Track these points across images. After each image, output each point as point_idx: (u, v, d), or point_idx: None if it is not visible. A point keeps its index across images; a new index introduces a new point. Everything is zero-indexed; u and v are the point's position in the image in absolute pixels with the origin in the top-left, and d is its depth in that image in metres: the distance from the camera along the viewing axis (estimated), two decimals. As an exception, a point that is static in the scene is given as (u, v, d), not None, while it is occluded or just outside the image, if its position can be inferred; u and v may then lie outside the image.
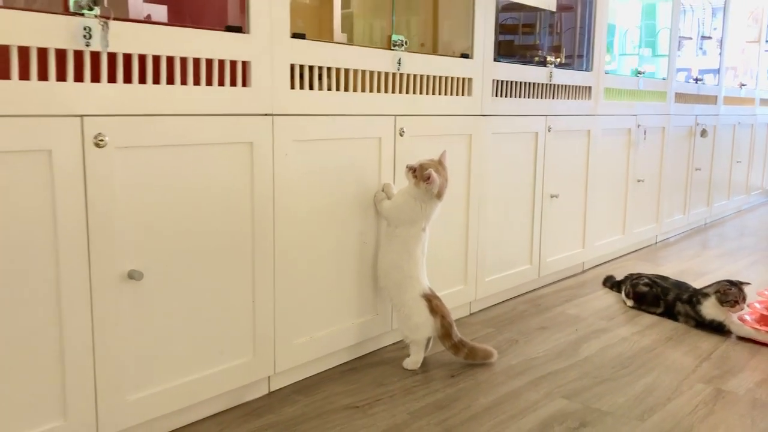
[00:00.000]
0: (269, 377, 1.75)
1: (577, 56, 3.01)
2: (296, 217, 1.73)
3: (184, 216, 1.48)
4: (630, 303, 2.55)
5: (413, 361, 1.93)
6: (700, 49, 4.52)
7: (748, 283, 2.25)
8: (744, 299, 2.21)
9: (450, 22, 2.37)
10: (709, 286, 2.32)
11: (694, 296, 2.32)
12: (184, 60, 1.45)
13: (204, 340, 1.56)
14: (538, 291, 2.74)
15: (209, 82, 1.50)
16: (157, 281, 1.45)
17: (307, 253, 1.77)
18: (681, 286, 2.44)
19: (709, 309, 2.26)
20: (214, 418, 1.61)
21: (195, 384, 1.55)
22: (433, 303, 1.91)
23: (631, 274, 2.66)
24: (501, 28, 2.89)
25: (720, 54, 4.35)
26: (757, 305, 2.25)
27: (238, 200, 1.58)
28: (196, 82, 1.47)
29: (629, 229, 3.38)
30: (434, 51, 2.36)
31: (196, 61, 1.47)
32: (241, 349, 1.64)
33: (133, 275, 1.39)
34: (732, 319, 2.23)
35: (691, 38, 4.59)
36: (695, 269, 3.11)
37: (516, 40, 2.90)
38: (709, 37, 4.56)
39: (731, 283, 2.24)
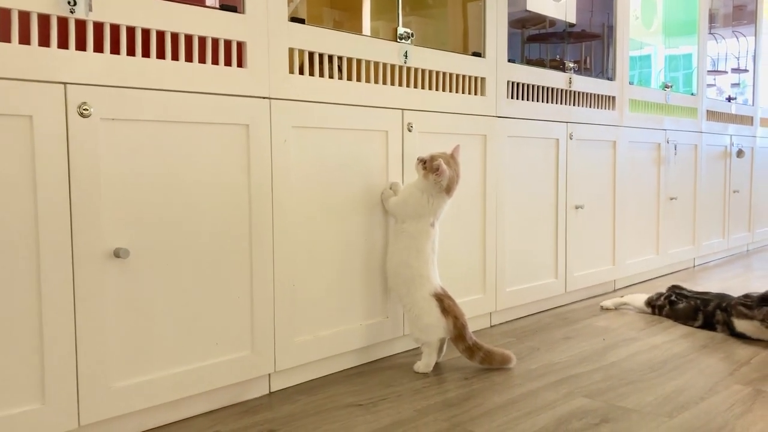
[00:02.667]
0: (270, 375, 1.66)
1: (605, 71, 2.94)
2: (297, 206, 1.66)
3: (175, 196, 1.43)
4: (645, 308, 2.46)
5: (425, 364, 1.82)
6: (736, 84, 4.40)
7: None
8: None
9: (476, 24, 2.33)
10: (751, 303, 2.10)
11: (730, 308, 2.15)
12: (175, 35, 1.42)
13: (197, 329, 1.48)
14: (566, 307, 2.60)
15: (202, 60, 1.47)
16: (146, 262, 1.39)
17: (308, 246, 1.70)
18: (724, 297, 2.27)
19: (744, 326, 2.10)
20: (209, 415, 1.52)
21: (187, 375, 1.46)
22: (444, 303, 1.81)
23: (675, 286, 2.51)
24: (528, 39, 2.84)
25: (754, 71, 4.23)
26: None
27: (234, 184, 1.53)
28: (188, 59, 1.44)
29: (663, 249, 3.22)
30: (465, 52, 2.29)
31: (188, 38, 1.45)
32: (238, 342, 1.56)
33: (119, 253, 1.33)
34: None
35: (726, 72, 4.48)
36: (736, 288, 2.93)
37: (543, 53, 2.84)
38: (746, 70, 4.44)
39: None
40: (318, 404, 1.57)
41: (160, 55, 1.40)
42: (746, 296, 2.15)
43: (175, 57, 1.42)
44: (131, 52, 1.35)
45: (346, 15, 2.24)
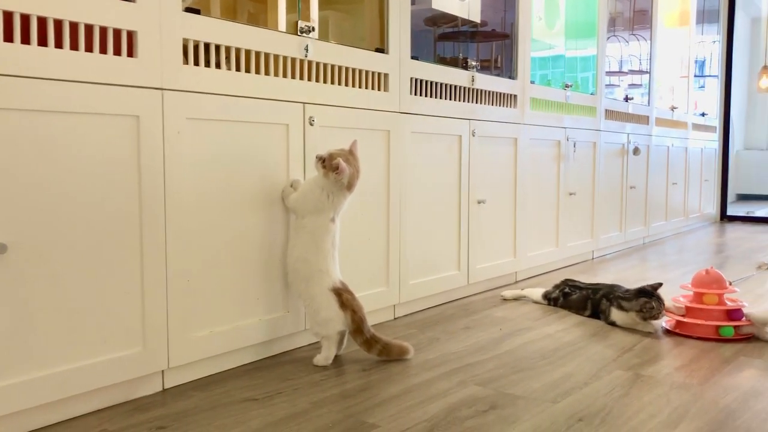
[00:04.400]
0: (163, 372, 1.63)
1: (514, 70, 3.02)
2: (192, 200, 1.64)
3: (59, 189, 1.38)
4: (542, 300, 2.57)
5: (324, 357, 1.83)
6: (639, 85, 4.60)
7: (660, 284, 2.18)
8: (663, 306, 2.15)
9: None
10: (629, 296, 2.20)
11: (614, 299, 2.26)
12: (59, 22, 1.37)
13: (84, 326, 1.44)
14: (469, 298, 2.67)
15: (89, 49, 1.42)
16: (26, 257, 1.34)
17: (204, 241, 1.68)
18: (613, 288, 2.37)
19: (617, 315, 2.22)
20: (97, 414, 1.47)
21: (72, 374, 1.42)
22: (343, 297, 1.82)
23: (568, 279, 2.60)
24: (439, 38, 2.89)
25: (650, 73, 4.45)
26: (682, 299, 2.22)
27: (124, 177, 1.49)
28: (74, 47, 1.39)
29: (563, 242, 3.35)
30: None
31: (74, 25, 1.40)
32: (128, 339, 1.52)
33: (-5, 248, 1.28)
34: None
35: (627, 73, 4.68)
36: (631, 278, 3.08)
37: (456, 52, 2.89)
38: (646, 72, 4.66)
39: (648, 295, 2.15)
40: (212, 399, 1.56)
41: (42, 42, 1.35)
42: (627, 291, 2.25)
43: (58, 45, 1.37)
44: (9, 38, 1.30)
45: (262, 7, 2.21)
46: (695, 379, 1.71)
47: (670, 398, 1.57)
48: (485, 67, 2.96)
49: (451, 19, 2.88)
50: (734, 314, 2.11)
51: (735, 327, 2.07)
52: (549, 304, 2.54)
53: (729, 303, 2.14)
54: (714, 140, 5.71)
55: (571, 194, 3.40)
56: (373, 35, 2.36)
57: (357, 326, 1.81)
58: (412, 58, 2.34)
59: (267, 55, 1.82)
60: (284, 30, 1.93)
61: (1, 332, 1.31)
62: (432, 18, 2.81)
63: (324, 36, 2.27)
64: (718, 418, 1.45)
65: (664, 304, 2.14)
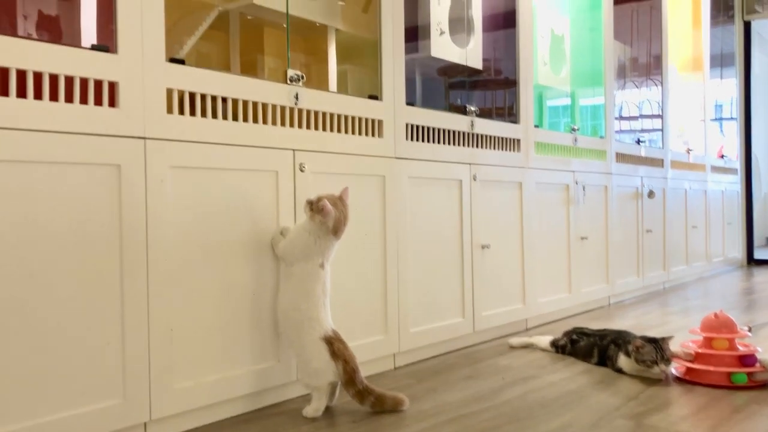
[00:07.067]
0: (145, 424, 1.59)
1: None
2: (176, 249, 1.63)
3: (39, 238, 1.38)
4: (549, 348, 2.49)
5: (314, 408, 1.78)
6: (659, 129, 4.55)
7: (671, 337, 2.10)
8: (665, 357, 2.03)
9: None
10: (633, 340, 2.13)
11: (624, 344, 2.16)
12: (38, 75, 1.40)
13: (61, 378, 1.42)
14: (475, 347, 2.60)
15: (69, 100, 1.44)
16: (3, 308, 1.33)
17: (189, 291, 1.66)
18: (621, 334, 2.29)
19: (623, 362, 2.13)
20: (73, 468, 1.44)
21: (47, 428, 1.39)
22: (335, 346, 1.78)
23: (576, 327, 2.52)
24: (450, 87, 2.90)
25: (663, 117, 4.41)
26: (691, 344, 2.12)
27: (104, 225, 1.49)
28: (54, 98, 1.41)
29: (576, 288, 3.27)
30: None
31: (54, 77, 1.42)
32: (108, 390, 1.50)
33: (-32, 298, 1.27)
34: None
35: (638, 117, 4.63)
36: (645, 324, 2.98)
37: (468, 101, 2.87)
38: (659, 116, 4.61)
39: (648, 339, 2.07)
40: (193, 453, 1.52)
41: (21, 93, 1.37)
42: (642, 337, 2.17)
43: (38, 96, 1.39)
44: (-13, 90, 1.32)
45: (281, 63, 2.22)
46: (701, 429, 1.62)
47: (671, 449, 1.49)
48: (499, 115, 2.95)
49: (463, 69, 2.89)
50: (747, 360, 2.01)
51: (748, 374, 1.98)
52: (557, 352, 2.46)
53: (741, 348, 2.05)
54: (736, 182, 5.60)
55: (582, 238, 3.33)
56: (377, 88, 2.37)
57: (349, 377, 1.76)
58: (408, 104, 2.34)
59: (255, 104, 1.83)
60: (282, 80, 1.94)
61: (-27, 384, 1.29)
62: (443, 69, 2.84)
63: (343, 88, 2.29)
64: (721, 471, 1.37)
65: (664, 351, 2.03)
